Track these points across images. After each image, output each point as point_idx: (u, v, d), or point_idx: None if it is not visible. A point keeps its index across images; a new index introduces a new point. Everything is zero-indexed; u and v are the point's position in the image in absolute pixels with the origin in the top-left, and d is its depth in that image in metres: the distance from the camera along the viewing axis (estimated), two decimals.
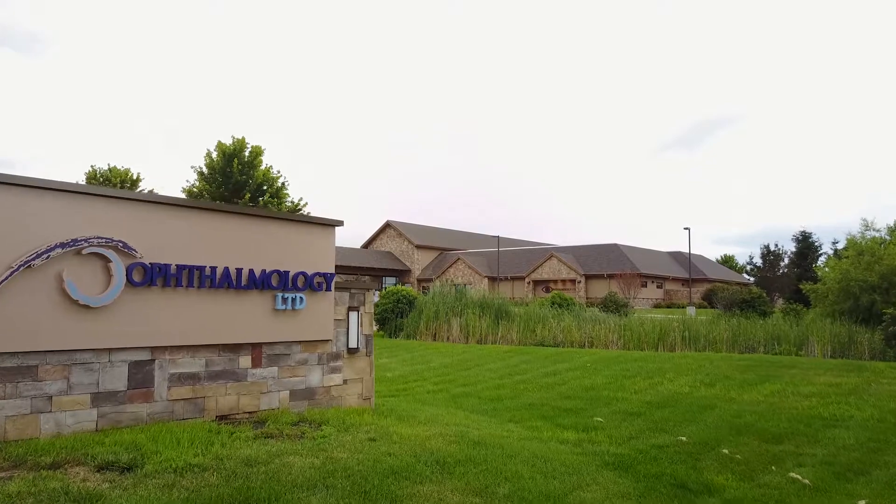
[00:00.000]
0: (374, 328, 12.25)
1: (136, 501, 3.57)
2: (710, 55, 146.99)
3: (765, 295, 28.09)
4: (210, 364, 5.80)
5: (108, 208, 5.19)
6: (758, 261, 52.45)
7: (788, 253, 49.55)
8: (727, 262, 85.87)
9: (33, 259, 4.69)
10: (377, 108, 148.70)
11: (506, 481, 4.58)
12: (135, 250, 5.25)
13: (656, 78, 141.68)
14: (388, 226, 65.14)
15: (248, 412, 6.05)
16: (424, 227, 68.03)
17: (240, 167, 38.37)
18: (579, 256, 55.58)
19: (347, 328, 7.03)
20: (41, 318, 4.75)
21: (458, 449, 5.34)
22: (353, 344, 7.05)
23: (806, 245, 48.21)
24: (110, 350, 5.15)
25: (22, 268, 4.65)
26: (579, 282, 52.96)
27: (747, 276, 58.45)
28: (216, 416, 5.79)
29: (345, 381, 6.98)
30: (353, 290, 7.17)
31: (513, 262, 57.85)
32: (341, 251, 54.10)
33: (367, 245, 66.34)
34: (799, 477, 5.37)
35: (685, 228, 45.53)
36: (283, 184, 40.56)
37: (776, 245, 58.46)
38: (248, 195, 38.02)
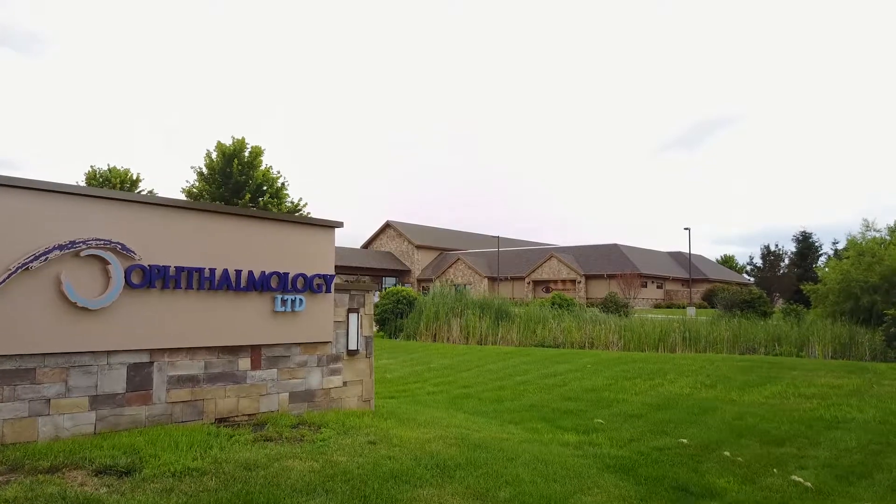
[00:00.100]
0: (374, 329, 12.22)
1: None
2: (710, 55, 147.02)
3: (765, 295, 28.05)
4: (209, 366, 5.77)
5: (107, 210, 5.16)
6: (758, 261, 52.41)
7: (789, 253, 49.57)
8: (727, 262, 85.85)
9: (31, 261, 4.66)
10: (377, 108, 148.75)
11: (506, 485, 4.55)
12: (133, 252, 5.22)
13: (656, 78, 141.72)
14: (388, 226, 65.12)
15: (248, 414, 6.02)
16: (424, 227, 68.02)
17: (239, 167, 38.35)
18: (579, 257, 55.56)
19: (347, 330, 7.00)
20: (39, 321, 4.72)
21: (459, 452, 5.31)
22: (352, 346, 7.02)
23: (806, 245, 48.21)
24: (109, 352, 5.12)
25: (20, 270, 4.62)
26: (579, 282, 52.94)
27: (747, 277, 58.41)
28: (215, 419, 5.76)
29: (344, 383, 6.95)
30: (352, 292, 7.14)
31: (513, 263, 57.82)
32: (341, 251, 54.08)
33: (366, 245, 66.33)
34: (801, 480, 5.35)
35: (685, 228, 45.57)
36: (282, 184, 40.54)
37: (776, 245, 58.55)
38: (247, 195, 37.99)
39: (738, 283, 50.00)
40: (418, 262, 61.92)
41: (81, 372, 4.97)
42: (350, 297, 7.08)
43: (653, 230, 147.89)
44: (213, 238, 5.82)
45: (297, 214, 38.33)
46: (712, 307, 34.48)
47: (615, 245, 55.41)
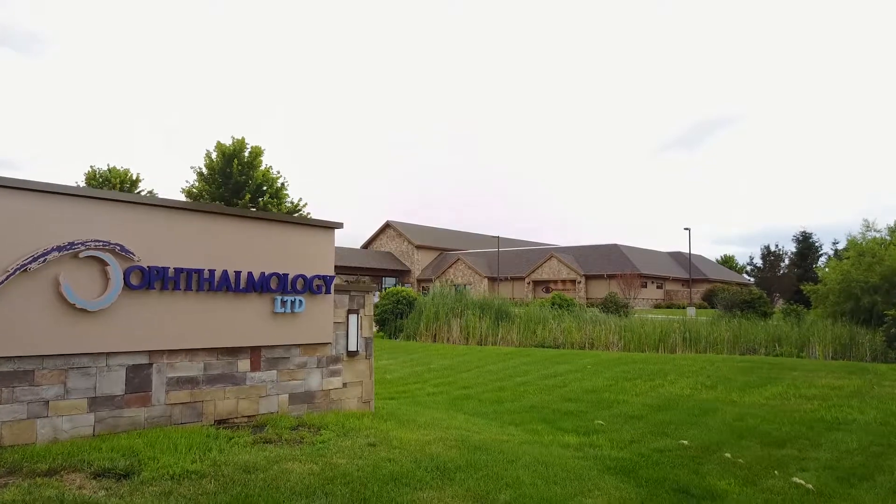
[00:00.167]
0: (374, 329, 12.21)
1: None
2: (710, 55, 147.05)
3: (765, 296, 28.03)
4: (208, 368, 5.75)
5: (106, 211, 5.15)
6: (758, 261, 52.39)
7: (789, 253, 49.54)
8: (727, 262, 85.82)
9: (30, 263, 4.65)
10: (377, 108, 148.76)
11: (507, 487, 4.53)
12: (132, 253, 5.20)
13: (656, 78, 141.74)
14: (387, 226, 65.11)
15: (247, 416, 6.00)
16: (424, 227, 68.00)
17: (239, 168, 38.34)
18: (579, 257, 55.53)
19: (347, 331, 6.98)
20: (38, 323, 4.70)
21: (459, 454, 5.29)
22: (352, 347, 7.01)
23: (806, 245, 48.18)
24: (108, 354, 5.10)
25: (18, 271, 4.60)
26: (579, 282, 52.92)
27: (747, 277, 58.40)
28: (214, 421, 5.74)
29: (344, 385, 6.93)
30: (352, 293, 7.13)
31: (513, 263, 57.80)
32: (341, 251, 54.08)
33: (366, 245, 66.31)
34: (802, 482, 5.33)
35: (685, 229, 45.54)
36: (282, 184, 40.53)
37: (776, 245, 58.57)
38: (247, 196, 37.97)
39: (739, 284, 49.99)
40: (418, 263, 61.90)
41: (80, 374, 4.95)
42: (350, 298, 7.07)
43: (653, 230, 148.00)
44: (213, 239, 5.80)
45: (296, 215, 38.39)
46: (712, 307, 34.47)
47: (615, 245, 55.39)
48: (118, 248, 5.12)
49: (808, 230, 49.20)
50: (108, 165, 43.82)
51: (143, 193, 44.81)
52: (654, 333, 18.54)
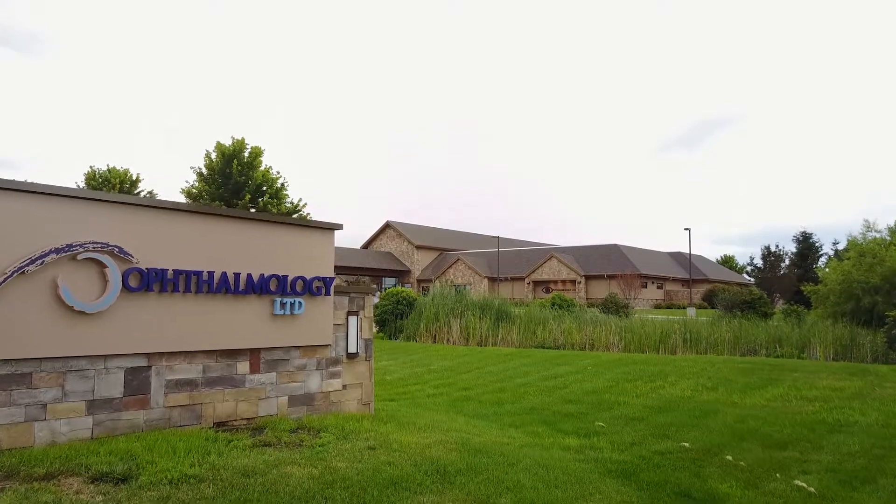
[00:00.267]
0: (374, 330, 12.17)
1: None
2: (710, 55, 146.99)
3: (765, 296, 27.98)
4: (207, 370, 5.72)
5: (104, 213, 5.11)
6: (758, 261, 52.30)
7: (789, 253, 49.47)
8: (727, 262, 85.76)
9: (27, 265, 4.62)
10: (377, 108, 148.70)
11: (507, 491, 4.51)
12: (131, 255, 5.17)
13: (656, 78, 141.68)
14: (387, 226, 65.06)
15: (246, 419, 5.97)
16: (424, 227, 67.96)
17: (239, 168, 38.30)
18: (579, 257, 55.48)
19: (347, 333, 6.95)
20: (36, 325, 4.68)
21: (459, 457, 5.26)
22: (352, 349, 6.98)
23: (806, 246, 48.11)
24: (106, 357, 5.07)
25: (16, 274, 4.57)
26: (579, 282, 52.88)
27: (748, 277, 58.33)
28: (214, 423, 5.71)
29: (344, 387, 6.91)
30: (352, 295, 7.10)
31: (513, 263, 57.75)
32: (341, 251, 54.03)
33: (366, 245, 66.27)
34: (804, 485, 5.30)
35: (685, 229, 45.48)
36: (282, 184, 40.49)
37: (777, 246, 58.50)
38: (247, 196, 37.94)
39: (739, 284, 49.93)
40: (418, 263, 61.86)
41: (78, 376, 4.92)
42: (350, 300, 7.04)
43: (653, 230, 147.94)
44: (212, 241, 5.77)
45: (296, 215, 38.38)
46: (712, 308, 34.43)
47: (615, 245, 55.34)
48: (117, 249, 5.08)
49: (808, 230, 49.17)
50: (107, 165, 43.81)
51: (142, 194, 44.79)
52: (654, 334, 18.50)
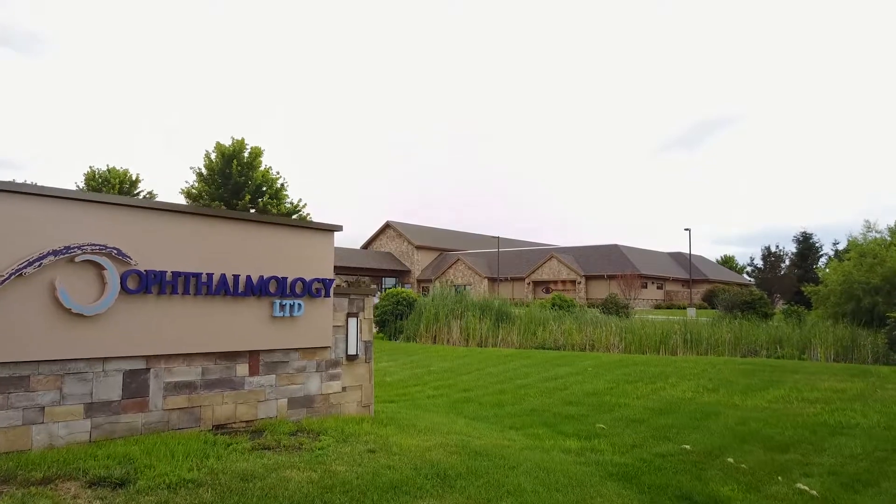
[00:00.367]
0: (374, 330, 12.14)
1: None
2: (710, 55, 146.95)
3: (766, 296, 27.94)
4: (206, 372, 5.69)
5: (102, 214, 5.08)
6: (758, 262, 52.20)
7: (789, 254, 49.41)
8: (727, 262, 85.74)
9: (25, 267, 4.59)
10: (377, 108, 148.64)
11: (508, 495, 4.48)
12: (129, 257, 5.14)
13: (656, 78, 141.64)
14: (387, 226, 65.04)
15: (246, 421, 5.94)
16: (424, 227, 67.93)
17: (239, 168, 38.26)
18: (579, 257, 55.45)
19: (346, 334, 6.92)
20: (33, 328, 4.65)
21: (460, 460, 5.23)
22: (352, 350, 6.95)
23: (807, 246, 48.06)
24: (104, 359, 5.04)
25: (13, 276, 4.54)
26: (579, 283, 52.85)
27: (748, 277, 58.28)
28: (213, 426, 5.68)
29: (344, 389, 6.88)
30: (352, 296, 7.07)
31: (513, 263, 57.72)
32: (341, 252, 54.00)
33: (366, 245, 66.24)
34: (806, 488, 5.27)
35: (685, 229, 45.48)
36: (282, 185, 40.44)
37: (777, 246, 58.40)
38: (247, 196, 37.90)
39: (739, 284, 49.89)
40: (418, 263, 61.82)
41: (76, 379, 4.89)
42: (349, 302, 7.01)
43: (653, 230, 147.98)
44: (211, 242, 5.74)
45: (296, 216, 38.34)
46: (713, 308, 34.40)
47: (615, 245, 55.31)
48: (115, 251, 5.06)
49: (809, 230, 49.09)
50: (107, 166, 43.80)
51: (142, 194, 44.77)
52: (654, 335, 18.46)
